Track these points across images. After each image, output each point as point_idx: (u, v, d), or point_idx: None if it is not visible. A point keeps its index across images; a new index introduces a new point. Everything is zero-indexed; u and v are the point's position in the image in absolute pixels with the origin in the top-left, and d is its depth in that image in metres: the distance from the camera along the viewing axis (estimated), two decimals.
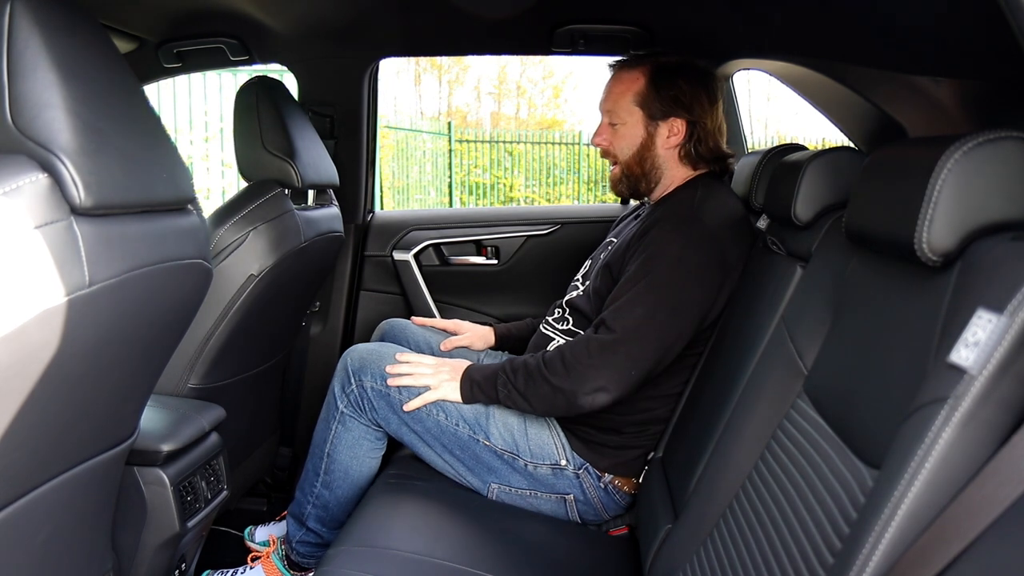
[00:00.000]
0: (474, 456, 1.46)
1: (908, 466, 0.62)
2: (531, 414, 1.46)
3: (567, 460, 1.45)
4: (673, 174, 1.55)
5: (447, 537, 1.28)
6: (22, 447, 0.76)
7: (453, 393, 1.45)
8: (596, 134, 1.60)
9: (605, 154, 1.60)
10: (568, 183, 9.20)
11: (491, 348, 1.82)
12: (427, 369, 1.48)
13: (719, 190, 1.52)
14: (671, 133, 1.51)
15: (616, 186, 1.60)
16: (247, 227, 1.49)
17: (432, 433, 1.46)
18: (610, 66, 1.59)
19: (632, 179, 1.56)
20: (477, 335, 1.81)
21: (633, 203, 1.78)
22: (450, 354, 1.75)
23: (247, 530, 1.78)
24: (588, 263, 1.66)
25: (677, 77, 1.50)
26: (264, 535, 1.75)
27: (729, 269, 1.41)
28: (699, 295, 1.38)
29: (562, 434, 1.47)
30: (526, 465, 1.45)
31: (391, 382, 1.46)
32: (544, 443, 1.46)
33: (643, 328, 1.33)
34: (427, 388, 1.45)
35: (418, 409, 1.45)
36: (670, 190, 1.55)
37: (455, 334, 1.81)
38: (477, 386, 1.44)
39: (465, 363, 1.49)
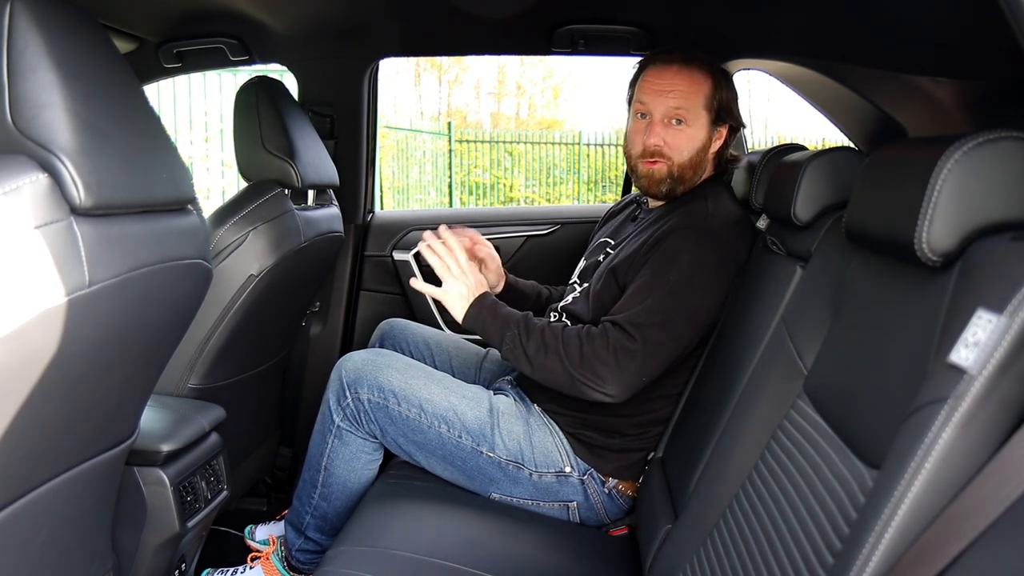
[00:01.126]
0: (476, 468, 1.45)
1: (908, 466, 0.62)
2: (528, 375, 1.41)
3: (571, 467, 1.45)
4: (701, 177, 1.54)
5: (447, 537, 1.28)
6: (22, 447, 0.76)
7: (456, 306, 1.43)
8: (651, 132, 1.48)
9: (656, 154, 1.48)
10: (568, 183, 9.19)
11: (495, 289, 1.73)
12: (455, 267, 1.45)
13: (723, 193, 1.53)
14: (718, 138, 1.52)
15: (657, 186, 1.50)
16: (247, 227, 1.49)
17: (432, 446, 1.45)
18: (665, 59, 1.49)
19: (678, 181, 1.50)
20: (496, 272, 1.70)
21: (632, 196, 1.76)
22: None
23: (247, 529, 1.77)
24: (582, 264, 1.65)
25: (729, 83, 1.52)
26: (264, 534, 1.75)
27: (739, 268, 1.42)
28: (713, 301, 1.39)
29: (565, 440, 1.46)
30: (530, 475, 1.44)
31: (422, 247, 1.46)
32: (549, 450, 1.45)
33: (662, 337, 1.33)
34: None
35: (419, 421, 1.44)
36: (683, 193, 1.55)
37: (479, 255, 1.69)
38: (482, 321, 1.41)
39: (484, 287, 1.47)
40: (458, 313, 1.43)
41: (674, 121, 1.48)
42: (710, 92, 1.48)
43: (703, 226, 1.41)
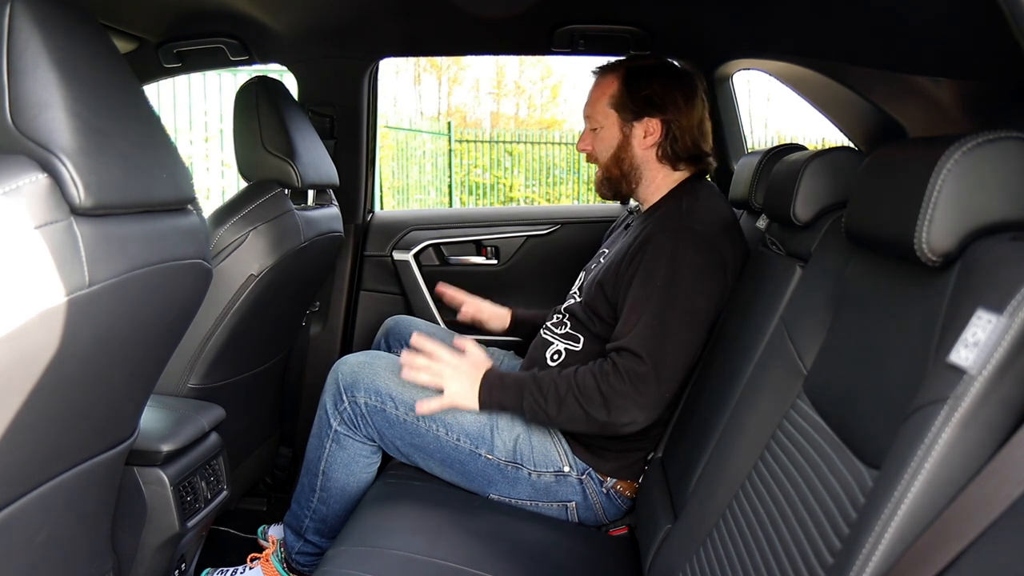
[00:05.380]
0: (475, 470, 1.45)
1: (908, 466, 0.62)
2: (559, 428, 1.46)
3: (570, 466, 1.45)
4: (654, 175, 1.54)
5: (446, 537, 1.28)
6: (22, 447, 0.76)
7: (468, 400, 1.42)
8: (580, 140, 1.62)
9: (590, 158, 1.61)
10: (568, 183, 9.20)
11: (504, 330, 1.85)
12: (445, 368, 1.43)
13: (705, 194, 1.51)
14: (647, 133, 1.52)
15: (600, 189, 1.62)
16: (247, 227, 1.49)
17: (430, 448, 1.45)
18: (592, 72, 1.61)
19: (613, 181, 1.57)
20: (495, 315, 1.84)
21: (632, 204, 1.78)
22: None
23: (260, 529, 1.77)
24: (582, 275, 1.65)
25: (651, 78, 1.51)
26: (276, 534, 1.75)
27: (728, 270, 1.41)
28: (708, 301, 1.38)
29: (564, 440, 1.46)
30: (529, 475, 1.44)
31: (405, 374, 1.43)
32: (548, 451, 1.45)
33: (669, 349, 1.33)
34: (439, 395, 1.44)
35: (416, 423, 1.44)
36: (657, 198, 1.55)
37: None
38: (497, 400, 1.42)
39: (485, 364, 1.46)
40: (470, 403, 1.42)
41: (591, 128, 1.58)
42: (615, 91, 1.52)
43: (678, 226, 1.40)
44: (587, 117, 1.58)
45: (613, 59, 1.61)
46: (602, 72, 1.58)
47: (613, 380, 1.33)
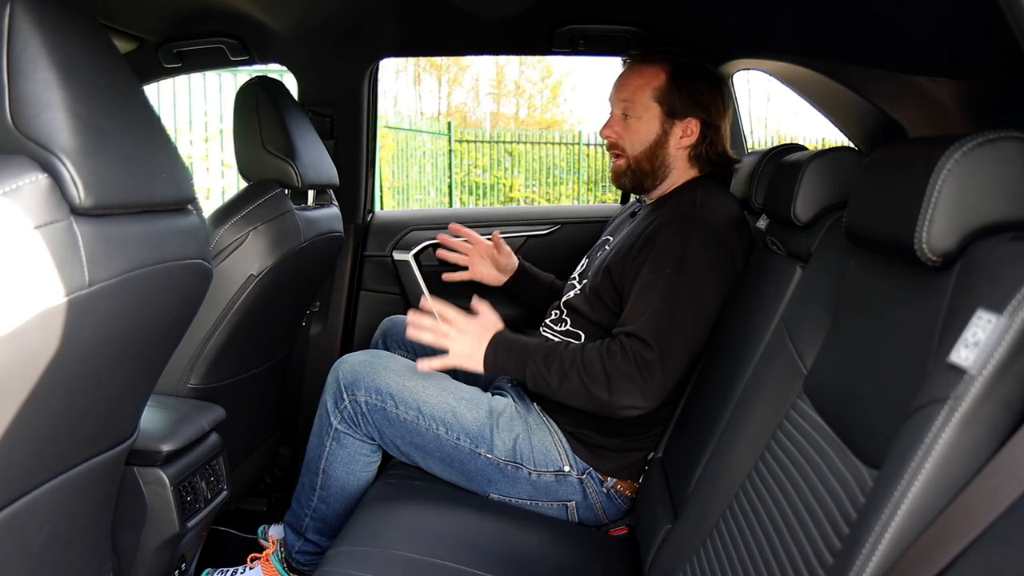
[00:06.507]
0: (475, 469, 1.45)
1: (908, 466, 0.62)
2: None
3: (570, 466, 1.45)
4: (679, 174, 1.55)
5: (447, 537, 1.28)
6: (22, 447, 0.76)
7: (472, 362, 1.40)
8: (606, 126, 1.56)
9: (612, 147, 1.57)
10: (568, 183, 9.19)
11: (503, 284, 1.85)
12: (451, 330, 1.42)
13: (718, 191, 1.52)
14: (684, 133, 1.51)
15: (619, 179, 1.58)
16: (247, 227, 1.49)
17: (430, 447, 1.45)
18: (626, 60, 1.59)
19: (638, 175, 1.54)
20: (491, 275, 1.84)
21: (632, 199, 1.78)
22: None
23: (260, 529, 1.77)
24: (585, 261, 1.65)
25: (697, 78, 1.50)
26: (276, 534, 1.75)
27: (735, 266, 1.42)
28: (716, 293, 1.38)
29: (565, 440, 1.46)
30: (529, 474, 1.44)
31: (410, 333, 1.43)
32: (548, 450, 1.45)
33: (676, 339, 1.32)
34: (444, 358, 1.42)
35: (416, 422, 1.43)
36: (671, 190, 1.55)
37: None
38: (502, 363, 1.40)
39: (495, 326, 1.44)
40: (475, 365, 1.41)
41: (624, 115, 1.53)
42: (662, 85, 1.49)
43: (693, 217, 1.40)
44: (622, 101, 1.53)
45: (655, 50, 1.59)
46: (644, 61, 1.54)
47: (620, 362, 1.32)
